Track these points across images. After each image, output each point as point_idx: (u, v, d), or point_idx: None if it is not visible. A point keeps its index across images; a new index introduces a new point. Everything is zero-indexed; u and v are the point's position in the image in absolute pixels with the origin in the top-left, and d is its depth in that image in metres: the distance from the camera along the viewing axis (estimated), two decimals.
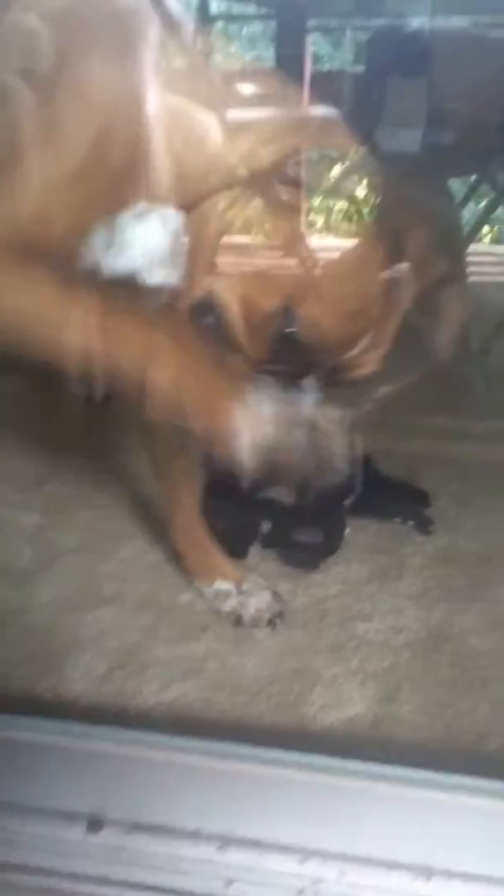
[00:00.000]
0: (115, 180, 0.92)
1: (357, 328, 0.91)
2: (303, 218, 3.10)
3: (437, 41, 2.54)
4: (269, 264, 0.93)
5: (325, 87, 2.84)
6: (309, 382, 0.91)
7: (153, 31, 1.32)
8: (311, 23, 2.74)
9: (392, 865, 0.84)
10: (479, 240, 3.51)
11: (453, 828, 0.83)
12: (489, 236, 3.88)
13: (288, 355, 0.89)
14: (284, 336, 0.87)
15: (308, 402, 0.91)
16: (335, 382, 0.94)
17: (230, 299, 0.88)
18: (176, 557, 1.22)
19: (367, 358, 0.95)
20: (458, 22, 2.78)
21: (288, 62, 2.75)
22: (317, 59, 3.34)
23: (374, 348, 0.95)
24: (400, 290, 0.95)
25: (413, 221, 0.97)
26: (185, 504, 1.18)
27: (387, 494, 1.35)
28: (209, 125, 1.32)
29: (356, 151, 1.10)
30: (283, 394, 0.88)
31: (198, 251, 1.06)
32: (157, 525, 1.33)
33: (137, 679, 1.04)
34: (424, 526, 1.32)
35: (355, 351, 0.92)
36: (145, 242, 0.87)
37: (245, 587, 1.15)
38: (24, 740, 0.88)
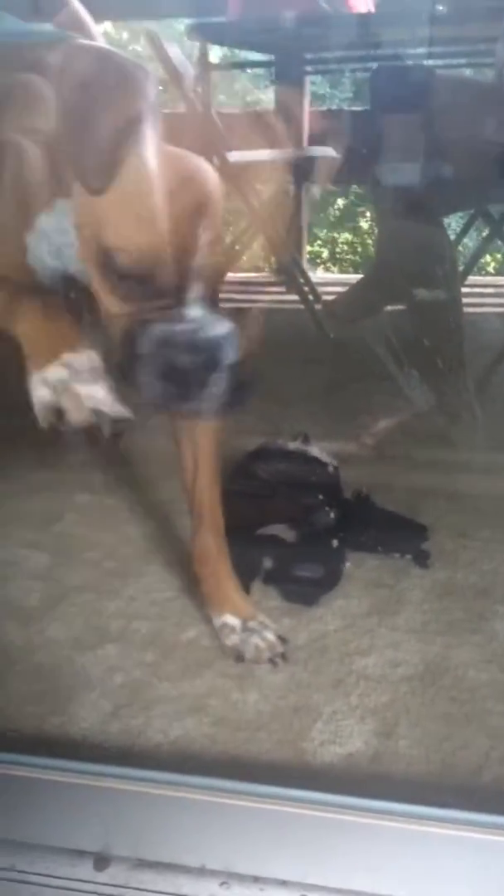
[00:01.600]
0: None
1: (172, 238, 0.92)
2: (301, 250, 3.17)
3: (435, 79, 2.61)
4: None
5: (325, 125, 2.92)
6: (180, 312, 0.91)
7: (151, 86, 1.39)
8: (309, 67, 2.82)
9: None
10: (482, 270, 3.57)
11: (448, 861, 0.85)
12: (492, 265, 3.93)
13: (139, 289, 0.90)
14: (122, 270, 0.89)
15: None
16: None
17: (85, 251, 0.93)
18: (194, 583, 1.25)
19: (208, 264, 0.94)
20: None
21: (288, 104, 2.83)
22: (316, 98, 3.42)
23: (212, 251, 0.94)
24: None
25: None
26: (208, 532, 1.21)
27: (385, 528, 1.38)
28: (205, 171, 1.38)
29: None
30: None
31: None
32: (162, 564, 1.37)
33: (143, 716, 1.06)
34: (423, 559, 1.35)
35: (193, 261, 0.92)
36: None
37: (251, 624, 1.17)
38: (33, 779, 0.91)
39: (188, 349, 0.90)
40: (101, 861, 0.91)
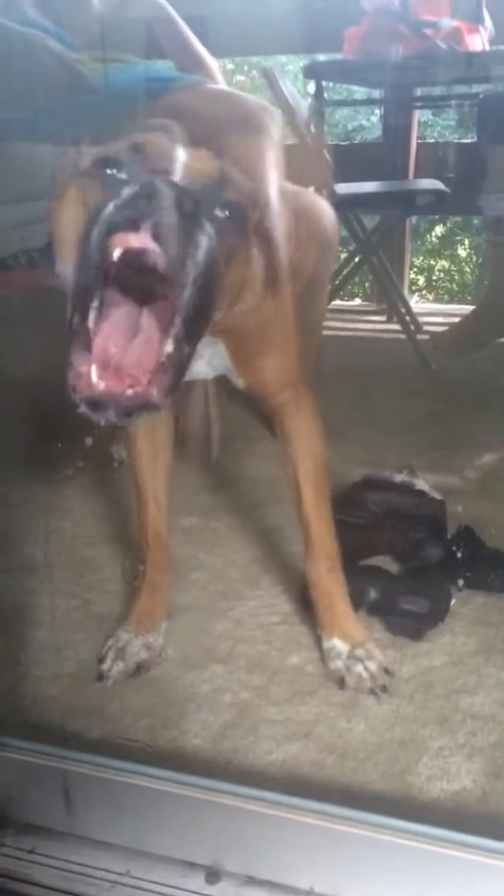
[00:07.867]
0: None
1: None
2: (403, 279, 3.19)
3: None
4: None
5: (431, 156, 2.94)
6: None
7: (276, 128, 1.46)
8: (417, 102, 2.85)
9: None
10: None
11: None
12: None
13: None
14: None
15: None
16: None
17: None
18: (307, 606, 1.28)
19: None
20: None
21: (395, 135, 2.87)
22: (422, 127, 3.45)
23: None
24: None
25: None
26: (319, 552, 1.23)
27: (491, 566, 1.38)
28: (322, 206, 1.43)
29: None
30: None
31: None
32: (267, 588, 1.40)
33: (251, 737, 1.09)
34: None
35: None
36: None
37: (358, 652, 1.19)
38: (150, 788, 0.95)
39: None
40: (213, 875, 0.94)
